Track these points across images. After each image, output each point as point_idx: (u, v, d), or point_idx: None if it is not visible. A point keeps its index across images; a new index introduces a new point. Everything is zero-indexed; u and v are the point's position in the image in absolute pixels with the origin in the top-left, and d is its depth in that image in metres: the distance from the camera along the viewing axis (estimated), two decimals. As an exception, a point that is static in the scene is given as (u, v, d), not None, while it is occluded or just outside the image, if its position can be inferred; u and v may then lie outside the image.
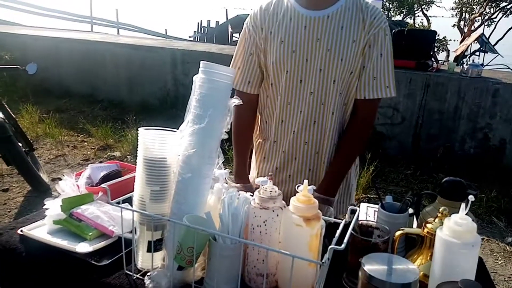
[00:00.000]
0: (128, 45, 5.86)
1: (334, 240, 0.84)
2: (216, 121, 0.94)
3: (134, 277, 1.01)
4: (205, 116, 0.93)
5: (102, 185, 1.00)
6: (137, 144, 3.52)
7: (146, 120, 5.18)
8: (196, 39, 16.44)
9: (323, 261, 0.78)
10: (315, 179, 1.44)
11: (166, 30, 17.25)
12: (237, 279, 0.93)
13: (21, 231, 1.15)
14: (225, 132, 0.97)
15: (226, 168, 1.05)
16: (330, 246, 0.77)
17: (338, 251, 0.78)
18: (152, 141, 0.97)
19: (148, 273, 0.97)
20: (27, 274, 1.13)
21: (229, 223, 0.92)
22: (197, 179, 0.95)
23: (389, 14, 17.34)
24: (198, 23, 18.03)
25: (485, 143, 3.94)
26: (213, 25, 18.10)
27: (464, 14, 14.17)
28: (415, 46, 4.22)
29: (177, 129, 1.00)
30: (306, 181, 0.88)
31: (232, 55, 1.45)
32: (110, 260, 1.06)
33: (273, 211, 0.89)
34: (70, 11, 10.81)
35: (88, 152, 4.41)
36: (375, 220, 1.20)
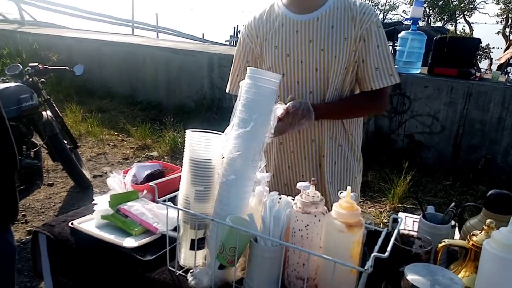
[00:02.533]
0: (168, 49, 6.02)
1: (376, 247, 0.85)
2: (260, 125, 0.96)
3: (177, 274, 1.04)
4: (250, 120, 0.95)
5: (150, 184, 1.04)
6: (174, 145, 3.63)
7: (182, 122, 5.30)
8: (232, 44, 16.65)
9: (365, 268, 0.78)
10: (319, 176, 1.47)
11: (203, 34, 17.57)
12: (276, 281, 0.94)
13: (72, 224, 1.22)
14: (269, 136, 0.99)
15: (268, 172, 1.07)
16: (373, 254, 0.77)
17: (379, 259, 0.78)
18: (198, 142, 1.01)
19: (191, 270, 1.01)
20: (76, 265, 1.19)
21: (271, 225, 0.94)
22: (240, 181, 0.97)
23: (429, 20, 16.89)
24: (234, 27, 18.26)
25: (530, 156, 3.77)
26: (249, 29, 18.30)
27: (510, 20, 13.60)
28: (457, 53, 4.10)
29: (218, 132, 1.03)
30: (349, 188, 0.88)
31: None
32: (154, 256, 1.10)
33: (315, 216, 0.90)
34: (113, 15, 11.21)
35: (128, 151, 4.56)
36: (416, 230, 1.18)
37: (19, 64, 3.02)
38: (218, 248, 0.95)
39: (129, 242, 1.14)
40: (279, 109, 1.19)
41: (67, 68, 3.27)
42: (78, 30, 8.31)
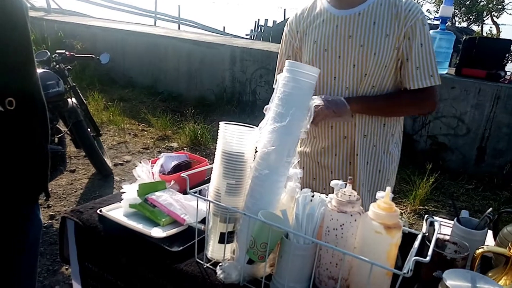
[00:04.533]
0: (190, 40, 6.03)
1: (413, 251, 0.82)
2: (297, 120, 0.94)
3: (205, 266, 1.04)
4: (287, 114, 0.93)
5: (182, 175, 1.03)
6: (194, 137, 3.64)
7: (202, 114, 5.32)
8: (252, 38, 16.59)
9: (405, 271, 0.75)
10: (352, 172, 1.44)
11: (224, 27, 17.56)
12: (307, 280, 0.93)
13: (100, 211, 1.23)
14: (304, 131, 0.97)
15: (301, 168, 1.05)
16: (414, 258, 0.74)
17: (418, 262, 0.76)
18: (231, 135, 0.99)
19: (220, 264, 1.00)
20: (103, 252, 1.20)
21: (304, 222, 0.92)
22: (274, 177, 0.95)
23: (454, 20, 16.49)
24: (256, 21, 18.20)
25: (560, 163, 3.65)
26: (270, 24, 18.19)
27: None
28: (486, 55, 3.98)
29: (251, 125, 1.01)
30: (388, 188, 0.86)
31: None
32: (182, 247, 1.09)
33: (351, 215, 0.88)
34: (136, 5, 11.29)
35: (148, 141, 4.60)
36: (448, 234, 1.15)
37: (47, 51, 3.05)
38: (248, 243, 0.93)
39: (157, 232, 1.13)
40: (315, 102, 1.17)
41: (93, 56, 3.30)
42: (103, 20, 8.40)
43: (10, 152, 1.03)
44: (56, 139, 3.05)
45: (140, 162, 1.35)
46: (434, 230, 0.96)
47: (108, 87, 6.41)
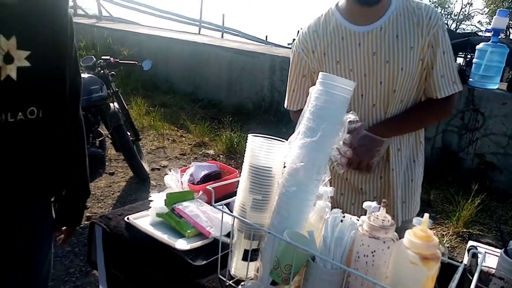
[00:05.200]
0: (232, 49, 6.09)
1: (453, 285, 0.74)
2: (328, 136, 0.89)
3: (227, 284, 1.00)
4: (318, 129, 0.88)
5: (207, 187, 1.00)
6: (230, 145, 3.63)
7: (240, 123, 5.33)
8: (294, 47, 16.58)
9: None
10: (385, 186, 1.37)
11: (266, 36, 17.66)
12: (333, 306, 0.87)
13: (127, 218, 1.22)
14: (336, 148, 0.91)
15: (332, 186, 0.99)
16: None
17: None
18: (259, 148, 0.95)
19: (242, 283, 0.96)
20: (128, 260, 1.19)
21: (332, 246, 0.86)
22: (302, 194, 0.90)
23: (508, 32, 15.64)
24: (298, 31, 18.22)
25: None
26: (313, 33, 18.15)
27: None
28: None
29: (280, 138, 0.97)
30: (426, 215, 0.78)
31: None
32: (205, 261, 1.07)
33: (384, 242, 0.81)
34: (182, 14, 11.61)
35: (185, 147, 4.66)
36: (495, 268, 1.04)
37: (92, 56, 3.17)
38: (272, 264, 0.89)
39: (181, 244, 1.11)
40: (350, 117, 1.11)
41: (136, 62, 3.39)
42: (149, 27, 8.69)
43: (30, 155, 1.06)
44: (97, 142, 3.14)
45: (170, 170, 1.34)
46: (477, 262, 0.87)
47: (151, 92, 6.59)
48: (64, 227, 1.28)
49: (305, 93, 1.43)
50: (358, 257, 0.84)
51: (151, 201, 1.28)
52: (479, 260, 0.81)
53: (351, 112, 0.91)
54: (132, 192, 3.44)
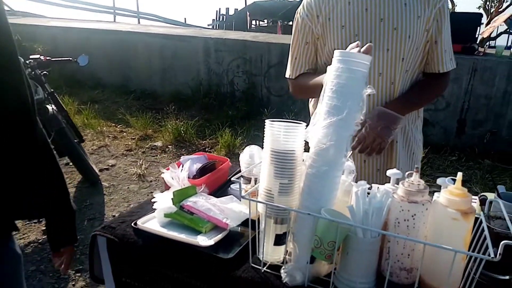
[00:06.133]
0: (160, 35, 5.85)
1: (486, 233, 0.82)
2: (354, 112, 0.91)
3: (262, 271, 1.00)
4: (344, 107, 0.89)
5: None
6: (178, 134, 3.56)
7: (180, 110, 5.20)
8: (215, 27, 16.34)
9: (492, 256, 0.75)
10: (388, 161, 1.42)
11: (185, 19, 17.20)
12: (374, 273, 0.91)
13: (135, 224, 1.15)
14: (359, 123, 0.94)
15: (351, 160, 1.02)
16: (503, 242, 0.74)
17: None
18: (281, 133, 0.95)
19: (283, 267, 0.96)
20: (143, 266, 1.13)
21: (374, 216, 0.89)
22: (333, 172, 0.92)
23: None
24: (217, 10, 17.91)
25: (536, 128, 3.84)
26: (231, 12, 17.96)
27: (490, -6, 13.67)
28: (460, 29, 4.07)
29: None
30: (460, 174, 0.84)
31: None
32: (234, 253, 1.05)
33: (423, 204, 0.86)
34: (93, 2, 10.83)
35: (129, 142, 4.44)
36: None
37: (19, 57, 2.85)
38: (313, 243, 0.90)
39: (204, 241, 1.08)
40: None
41: (70, 59, 3.12)
42: (61, 19, 8.00)
43: None
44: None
45: (170, 168, 1.28)
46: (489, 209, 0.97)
47: (76, 89, 6.13)
48: (62, 249, 1.16)
49: (307, 60, 1.43)
50: (398, 222, 0.88)
51: (155, 202, 1.22)
52: (501, 206, 0.90)
53: (368, 86, 0.93)
54: (85, 197, 3.22)
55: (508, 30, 9.67)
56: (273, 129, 0.96)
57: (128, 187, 3.39)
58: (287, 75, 1.52)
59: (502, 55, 3.93)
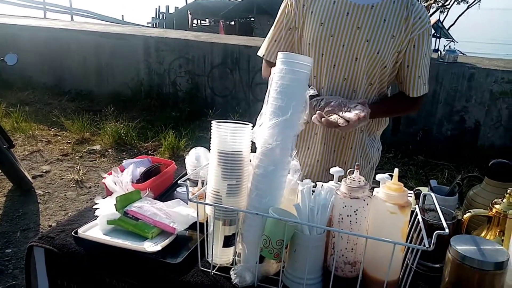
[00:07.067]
0: (96, 33, 5.60)
1: (421, 225, 0.88)
2: (298, 112, 0.93)
3: (212, 274, 0.99)
4: (288, 107, 0.92)
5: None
6: (118, 137, 3.45)
7: (119, 112, 5.00)
8: (154, 25, 15.94)
9: (427, 246, 0.80)
10: (342, 162, 1.46)
11: (122, 16, 16.59)
12: (321, 269, 0.95)
13: (76, 233, 1.10)
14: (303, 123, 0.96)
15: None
16: (436, 232, 0.79)
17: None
18: (228, 134, 0.95)
19: (232, 269, 0.96)
20: (86, 277, 1.08)
21: (319, 213, 0.92)
22: (280, 172, 0.94)
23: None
24: (156, 8, 17.49)
25: (461, 126, 4.17)
26: (172, 10, 17.63)
27: (419, 0, 14.71)
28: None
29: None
30: (396, 170, 0.90)
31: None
32: (182, 258, 1.03)
33: (364, 200, 0.90)
34: (20, -4, 10.11)
35: (65, 147, 4.20)
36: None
37: None
38: (262, 242, 0.91)
39: (151, 247, 1.05)
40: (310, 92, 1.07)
41: (-4, 57, 2.89)
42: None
43: None
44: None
45: (112, 173, 1.23)
46: (423, 202, 1.04)
47: (2, 91, 5.68)
48: None
49: (287, 46, 1.40)
50: (341, 218, 0.92)
51: (95, 209, 1.16)
52: (433, 199, 0.97)
53: (310, 87, 0.96)
54: (17, 206, 3.00)
55: (435, 34, 10.46)
56: (220, 130, 0.96)
57: (65, 194, 3.21)
58: (260, 53, 1.49)
59: (431, 58, 4.22)
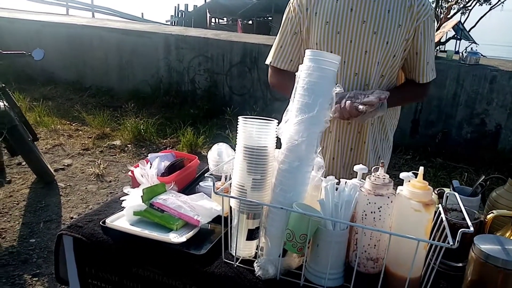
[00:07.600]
0: (118, 30, 5.69)
1: (445, 223, 0.88)
2: (324, 109, 0.95)
3: (235, 266, 1.01)
4: (315, 105, 0.93)
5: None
6: (137, 133, 3.50)
7: (139, 108, 5.08)
8: (173, 23, 16.08)
9: (452, 243, 0.81)
10: (357, 159, 1.47)
11: (142, 13, 16.80)
12: (343, 264, 0.96)
13: (104, 223, 1.13)
14: (329, 120, 0.98)
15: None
16: (461, 230, 0.80)
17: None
18: (254, 130, 0.97)
19: (256, 261, 0.98)
20: (112, 266, 1.11)
21: (343, 209, 0.94)
22: (305, 168, 0.96)
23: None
24: (176, 6, 17.65)
25: (481, 128, 4.10)
26: (190, 8, 17.76)
27: (440, 1, 14.47)
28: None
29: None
30: (422, 168, 0.90)
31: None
32: (206, 249, 1.06)
33: (388, 197, 0.91)
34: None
35: (86, 141, 4.29)
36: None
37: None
38: (286, 236, 0.93)
39: (176, 238, 1.08)
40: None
41: (24, 52, 2.97)
42: (7, 9, 7.56)
43: None
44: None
45: (139, 165, 1.27)
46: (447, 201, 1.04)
47: (26, 85, 5.83)
48: None
49: (294, 51, 1.44)
50: (365, 214, 0.93)
51: (121, 200, 1.20)
52: (456, 198, 0.97)
53: (337, 85, 0.97)
54: (40, 198, 3.08)
55: (455, 35, 10.27)
56: (246, 125, 0.98)
57: (86, 188, 3.28)
58: (267, 61, 1.52)
59: (452, 59, 4.17)
